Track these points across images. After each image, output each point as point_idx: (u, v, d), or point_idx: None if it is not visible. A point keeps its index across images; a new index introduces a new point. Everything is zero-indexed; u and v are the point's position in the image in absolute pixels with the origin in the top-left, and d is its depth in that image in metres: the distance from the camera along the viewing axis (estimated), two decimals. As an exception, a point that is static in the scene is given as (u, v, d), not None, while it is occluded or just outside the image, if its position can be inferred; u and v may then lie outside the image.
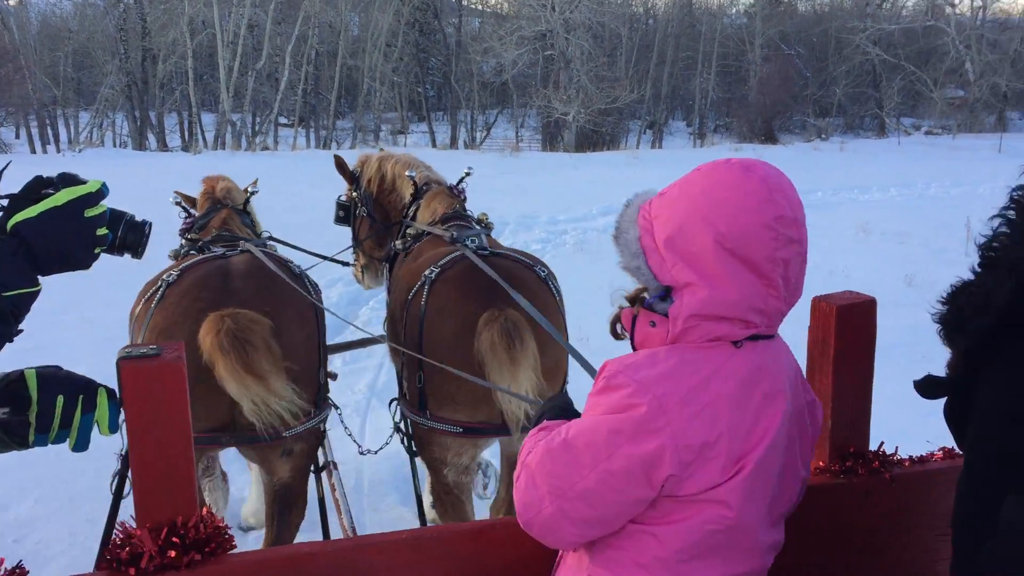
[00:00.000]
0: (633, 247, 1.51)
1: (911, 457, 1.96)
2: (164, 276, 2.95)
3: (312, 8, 35.28)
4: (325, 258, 4.35)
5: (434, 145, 37.96)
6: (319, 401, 3.01)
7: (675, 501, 1.41)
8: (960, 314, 1.36)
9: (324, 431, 3.17)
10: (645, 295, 1.54)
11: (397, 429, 3.26)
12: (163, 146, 35.50)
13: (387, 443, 3.49)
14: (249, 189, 4.01)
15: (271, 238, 3.87)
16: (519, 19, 34.28)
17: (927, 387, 1.52)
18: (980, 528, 1.33)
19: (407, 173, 4.00)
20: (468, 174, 4.14)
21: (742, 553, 1.46)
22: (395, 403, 3.31)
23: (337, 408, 3.28)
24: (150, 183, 12.34)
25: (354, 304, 7.81)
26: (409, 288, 3.14)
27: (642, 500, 1.42)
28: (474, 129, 43.32)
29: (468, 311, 2.86)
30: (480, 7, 47.92)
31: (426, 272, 3.06)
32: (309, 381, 2.88)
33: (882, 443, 1.96)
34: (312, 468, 3.14)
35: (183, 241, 3.59)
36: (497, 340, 2.69)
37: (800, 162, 22.63)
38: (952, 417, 1.53)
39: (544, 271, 3.20)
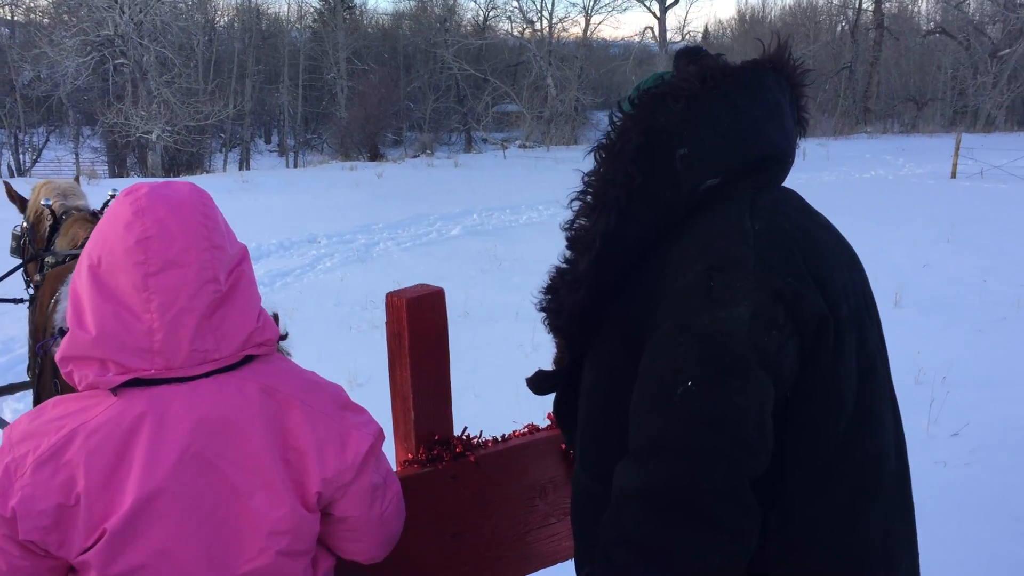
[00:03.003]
0: None
1: (494, 438, 2.06)
2: None
3: None
4: None
5: (-33, 173, 30.91)
6: None
7: (90, 568, 1.33)
8: (558, 294, 1.47)
9: None
10: None
11: None
12: None
13: None
14: None
15: None
16: (79, 22, 28.61)
17: (538, 382, 1.63)
18: (598, 507, 1.45)
19: (42, 201, 3.74)
20: (113, 196, 3.70)
21: None
22: None
23: None
24: None
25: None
26: (53, 292, 2.92)
27: (42, 569, 1.34)
28: (20, 152, 36.21)
29: None
30: (11, 16, 40.18)
31: (71, 274, 2.70)
32: None
33: (465, 428, 2.04)
34: None
35: None
36: None
37: (428, 180, 22.35)
38: (560, 412, 1.65)
39: None
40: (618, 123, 1.43)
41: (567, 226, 1.49)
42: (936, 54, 43.11)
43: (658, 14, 39.59)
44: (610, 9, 52.44)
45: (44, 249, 3.71)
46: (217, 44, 39.15)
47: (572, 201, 1.47)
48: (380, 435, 1.57)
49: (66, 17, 31.40)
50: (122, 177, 28.95)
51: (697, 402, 1.24)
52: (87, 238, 3.22)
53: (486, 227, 13.91)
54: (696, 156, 1.38)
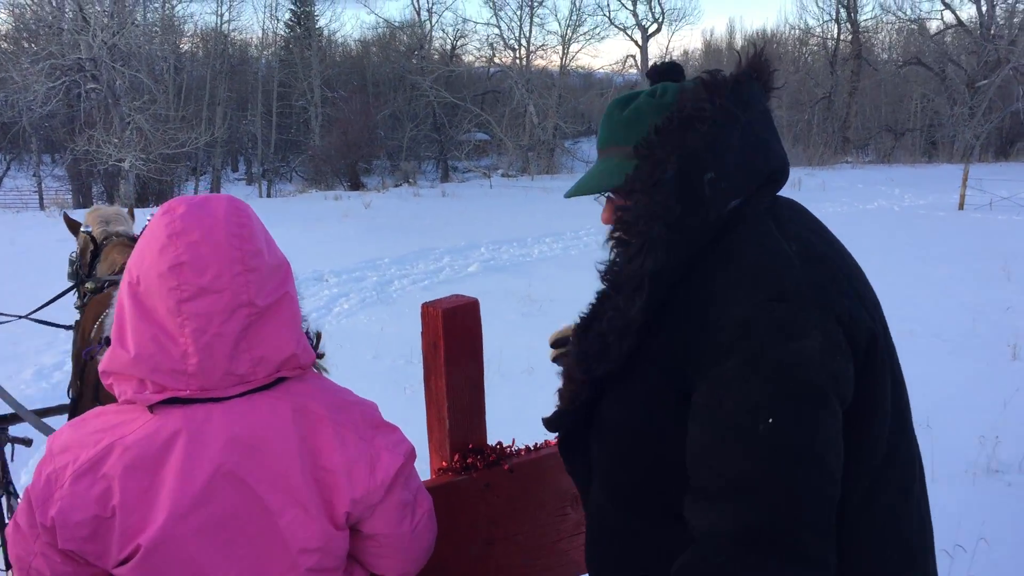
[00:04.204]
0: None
1: (527, 447, 2.09)
2: None
3: None
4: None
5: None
6: None
7: None
8: (604, 340, 1.43)
9: None
10: None
11: None
12: None
13: None
14: None
15: None
16: (48, 45, 27.32)
17: (557, 422, 1.59)
18: (640, 545, 1.46)
19: (83, 228, 3.91)
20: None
21: None
22: None
23: None
24: None
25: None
26: (96, 318, 3.11)
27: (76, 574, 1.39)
28: (-21, 182, 34.99)
29: None
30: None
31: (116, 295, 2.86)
32: None
33: (507, 443, 2.09)
34: None
35: None
36: None
37: (418, 211, 21.42)
38: (571, 448, 1.62)
39: None
40: (645, 153, 1.40)
41: (606, 268, 1.46)
42: (909, 84, 43.29)
43: (640, 43, 39.33)
44: (588, 38, 51.73)
45: (87, 275, 3.79)
46: (188, 70, 38.13)
47: (607, 241, 1.45)
48: (411, 454, 1.56)
49: (25, 44, 30.14)
50: (87, 208, 27.63)
51: (782, 436, 1.23)
52: (125, 264, 3.53)
53: (501, 262, 13.14)
54: (721, 179, 1.37)
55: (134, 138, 26.80)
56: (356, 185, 32.10)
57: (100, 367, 1.40)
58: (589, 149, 43.91)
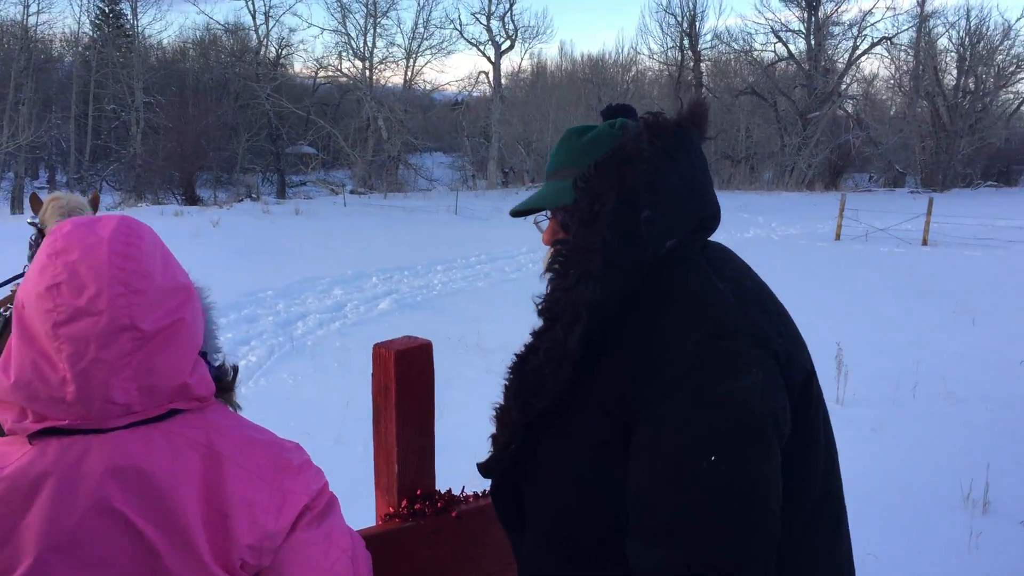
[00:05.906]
0: None
1: (475, 493, 2.08)
2: None
3: None
4: None
5: None
6: None
7: None
8: (541, 374, 1.41)
9: None
10: None
11: None
12: None
13: None
14: None
15: None
16: None
17: (491, 466, 1.57)
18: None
19: (28, 220, 3.77)
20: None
21: None
22: None
23: None
24: None
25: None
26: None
27: None
28: None
29: None
30: None
31: None
32: None
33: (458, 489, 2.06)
34: None
35: None
36: None
37: (278, 231, 19.65)
38: (503, 495, 1.59)
39: None
40: (584, 186, 1.43)
41: (543, 301, 1.46)
42: (741, 114, 44.80)
43: (492, 59, 38.51)
44: (435, 51, 50.30)
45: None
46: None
47: (544, 275, 1.48)
48: (320, 493, 1.44)
49: None
50: None
51: (725, 475, 1.24)
52: None
53: (405, 296, 11.91)
54: (658, 218, 1.40)
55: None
56: (193, 199, 29.35)
57: None
58: (433, 166, 42.82)
